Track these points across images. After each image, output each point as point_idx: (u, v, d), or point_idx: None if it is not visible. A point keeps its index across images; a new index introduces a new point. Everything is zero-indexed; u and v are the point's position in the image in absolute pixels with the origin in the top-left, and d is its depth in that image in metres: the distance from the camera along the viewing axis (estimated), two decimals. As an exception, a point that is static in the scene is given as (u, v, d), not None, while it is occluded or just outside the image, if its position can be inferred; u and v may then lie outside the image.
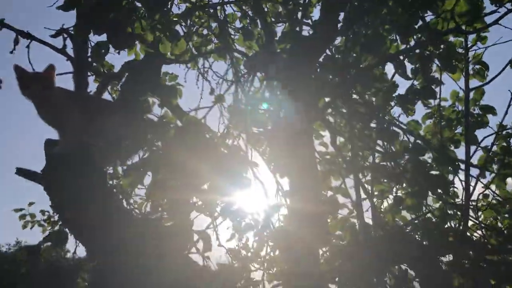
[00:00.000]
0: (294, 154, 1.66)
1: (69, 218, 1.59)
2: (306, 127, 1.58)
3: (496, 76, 2.83)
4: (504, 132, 3.39)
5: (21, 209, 4.18)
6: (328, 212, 2.60)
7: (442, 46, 2.35)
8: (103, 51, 2.12)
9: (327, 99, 2.47)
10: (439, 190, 2.47)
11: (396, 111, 2.95)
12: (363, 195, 3.01)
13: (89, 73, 2.79)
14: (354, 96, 2.69)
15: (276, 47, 2.49)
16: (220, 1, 3.42)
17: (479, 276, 1.89)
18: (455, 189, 3.29)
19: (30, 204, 4.15)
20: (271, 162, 2.23)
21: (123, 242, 1.43)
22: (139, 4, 2.31)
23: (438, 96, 2.98)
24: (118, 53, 2.36)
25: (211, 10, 3.39)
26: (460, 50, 2.82)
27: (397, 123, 2.80)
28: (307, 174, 1.55)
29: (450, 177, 3.09)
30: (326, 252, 2.91)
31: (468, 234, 3.06)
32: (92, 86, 3.19)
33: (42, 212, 4.06)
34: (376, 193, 2.85)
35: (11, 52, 2.43)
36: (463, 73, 2.90)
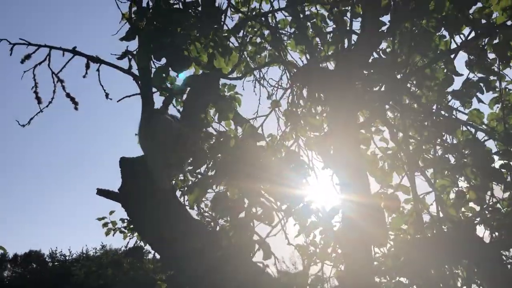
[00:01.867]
0: (345, 156, 1.73)
1: (146, 233, 1.77)
2: (350, 132, 1.63)
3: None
4: None
5: (103, 218, 4.55)
6: (389, 209, 2.62)
7: (497, 37, 2.29)
8: (163, 75, 2.29)
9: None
10: (500, 184, 2.41)
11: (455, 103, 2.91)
12: (427, 188, 2.99)
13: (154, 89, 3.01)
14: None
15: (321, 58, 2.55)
16: (271, 9, 3.51)
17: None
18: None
19: (111, 212, 4.50)
20: (326, 164, 2.30)
21: (193, 252, 1.58)
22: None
23: (499, 81, 2.90)
24: (177, 75, 2.53)
25: (263, 19, 3.50)
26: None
27: (456, 115, 2.75)
28: (359, 173, 1.61)
29: None
30: (391, 248, 2.93)
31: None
32: (158, 101, 3.42)
33: (122, 220, 4.39)
34: (438, 188, 2.82)
35: (84, 76, 2.68)
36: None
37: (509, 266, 1.94)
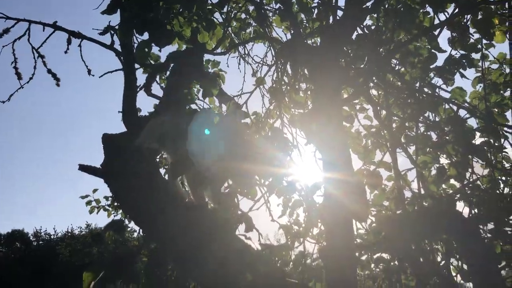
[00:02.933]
0: (329, 133, 1.74)
1: (130, 210, 1.77)
2: (335, 110, 1.64)
3: (543, 36, 2.72)
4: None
5: (86, 196, 4.52)
6: (371, 185, 2.66)
7: (479, 13, 2.29)
8: (146, 50, 2.26)
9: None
10: (481, 160, 2.45)
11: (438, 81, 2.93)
12: (409, 165, 3.03)
13: (137, 66, 2.97)
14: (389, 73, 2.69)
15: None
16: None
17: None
18: (505, 154, 3.24)
19: (94, 191, 4.48)
20: (310, 140, 2.31)
21: (177, 228, 1.59)
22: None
23: (482, 61, 2.93)
24: (160, 50, 2.50)
25: (248, -6, 3.45)
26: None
27: (439, 92, 2.78)
28: (342, 149, 1.62)
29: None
30: (372, 224, 2.98)
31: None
32: (140, 77, 3.38)
33: (106, 198, 4.37)
34: (420, 164, 2.86)
35: (65, 52, 2.63)
36: (507, 35, 2.81)
37: (486, 240, 1.99)
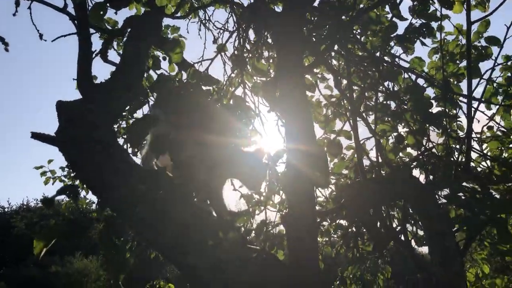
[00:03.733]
0: (292, 101, 1.72)
1: (85, 176, 1.71)
2: (299, 77, 1.62)
3: (498, 7, 2.78)
4: (509, 63, 3.38)
5: (41, 166, 4.37)
6: (331, 154, 2.69)
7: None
8: (101, 12, 2.14)
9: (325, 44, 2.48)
10: (437, 128, 2.52)
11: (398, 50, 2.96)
12: (368, 134, 3.08)
13: (92, 31, 2.84)
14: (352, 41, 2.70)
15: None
16: None
17: (477, 206, 1.98)
18: (459, 123, 3.35)
19: (50, 161, 4.33)
20: (272, 108, 2.30)
21: (135, 195, 1.55)
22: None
23: (439, 32, 2.97)
24: (116, 13, 2.39)
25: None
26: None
27: (398, 62, 2.81)
28: (305, 118, 1.61)
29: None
30: (332, 192, 3.04)
31: (473, 165, 3.16)
32: (97, 43, 3.23)
33: (62, 168, 4.24)
34: (379, 132, 2.91)
35: (14, 15, 2.47)
36: (465, 6, 2.86)
37: (441, 206, 2.06)
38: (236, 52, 3.01)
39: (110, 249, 1.28)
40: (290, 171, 1.66)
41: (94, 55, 2.66)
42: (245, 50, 3.00)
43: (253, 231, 3.09)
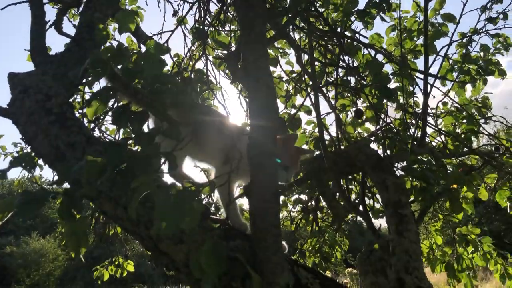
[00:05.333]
0: (255, 73, 1.71)
1: (39, 148, 1.65)
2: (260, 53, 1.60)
3: (455, -16, 2.85)
4: (464, 40, 3.49)
5: (-10, 142, 4.19)
6: (292, 128, 2.71)
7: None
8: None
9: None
10: (395, 103, 2.58)
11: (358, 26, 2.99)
12: (328, 110, 3.13)
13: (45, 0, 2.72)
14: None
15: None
16: None
17: (432, 177, 2.06)
18: (416, 99, 3.45)
19: (-1, 137, 4.14)
20: (235, 79, 2.28)
21: (93, 166, 1.52)
22: None
23: (397, 10, 3.03)
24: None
25: None
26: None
27: (358, 37, 2.84)
28: (268, 92, 1.61)
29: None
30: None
31: (428, 140, 3.27)
32: (51, 13, 3.09)
33: (14, 144, 4.07)
34: (339, 107, 2.95)
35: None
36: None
37: (398, 177, 2.12)
38: (196, 24, 2.95)
39: (70, 222, 1.24)
40: (253, 144, 1.65)
41: (48, 26, 2.55)
42: (206, 23, 2.95)
43: (214, 205, 3.10)
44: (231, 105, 2.89)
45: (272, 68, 3.35)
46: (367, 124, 3.37)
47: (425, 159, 2.61)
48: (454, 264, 3.44)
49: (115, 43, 2.94)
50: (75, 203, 1.27)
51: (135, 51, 2.52)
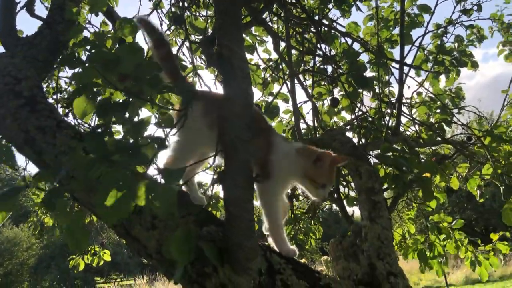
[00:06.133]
0: (231, 58, 1.69)
1: (6, 131, 1.61)
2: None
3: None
4: (439, 31, 3.54)
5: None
6: (269, 116, 2.71)
7: None
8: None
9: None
10: (370, 92, 2.61)
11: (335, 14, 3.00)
12: (305, 98, 3.13)
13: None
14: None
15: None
16: None
17: (405, 165, 2.08)
18: (391, 88, 3.49)
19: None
20: (210, 64, 2.25)
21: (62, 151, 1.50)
22: None
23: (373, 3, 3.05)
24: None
25: None
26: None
27: (335, 26, 2.84)
28: (241, 77, 1.59)
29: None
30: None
31: (402, 129, 3.31)
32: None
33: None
34: (315, 95, 2.96)
35: None
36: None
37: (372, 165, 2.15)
38: (172, 8, 2.91)
39: (62, 216, 1.21)
40: (227, 130, 1.63)
41: (19, 8, 2.47)
42: (183, 8, 2.91)
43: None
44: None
45: (249, 56, 3.33)
46: (343, 113, 3.40)
47: (399, 148, 2.64)
48: (426, 251, 3.51)
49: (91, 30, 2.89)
50: (59, 195, 1.24)
51: (109, 36, 2.46)
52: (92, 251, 4.51)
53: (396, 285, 1.52)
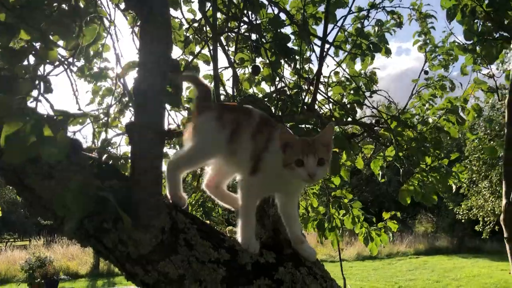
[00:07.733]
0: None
1: None
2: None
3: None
4: (362, 13, 3.63)
5: None
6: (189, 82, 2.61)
7: None
8: None
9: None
10: (292, 63, 2.61)
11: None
12: (226, 64, 3.07)
13: None
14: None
15: None
16: None
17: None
18: (311, 65, 3.54)
19: None
20: (128, 7, 2.10)
21: None
22: None
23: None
24: None
25: None
26: None
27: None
28: (160, 22, 1.48)
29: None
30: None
31: (317, 107, 3.39)
32: None
33: None
34: (237, 61, 2.91)
35: None
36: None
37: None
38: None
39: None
40: (140, 80, 1.51)
41: None
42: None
43: (95, 151, 2.91)
44: (124, 45, 2.69)
45: (173, 13, 3.18)
46: (263, 84, 3.39)
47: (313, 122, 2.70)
48: (326, 223, 3.67)
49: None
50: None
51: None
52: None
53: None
